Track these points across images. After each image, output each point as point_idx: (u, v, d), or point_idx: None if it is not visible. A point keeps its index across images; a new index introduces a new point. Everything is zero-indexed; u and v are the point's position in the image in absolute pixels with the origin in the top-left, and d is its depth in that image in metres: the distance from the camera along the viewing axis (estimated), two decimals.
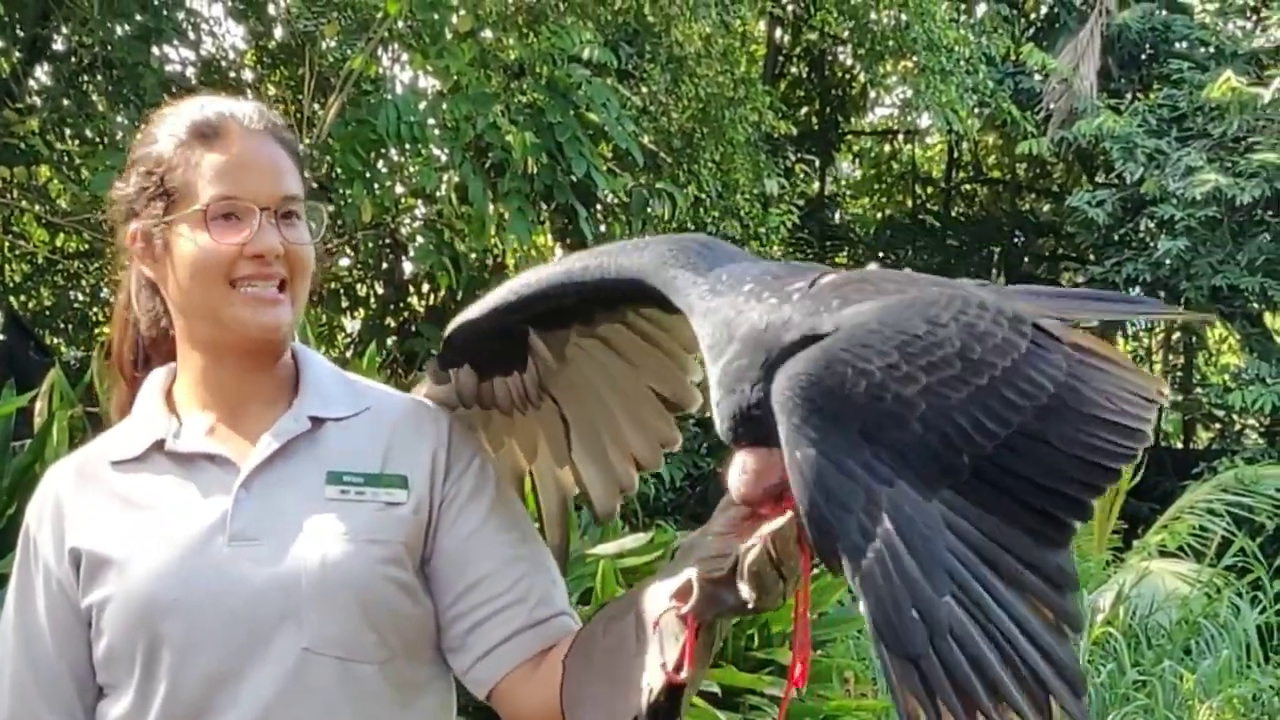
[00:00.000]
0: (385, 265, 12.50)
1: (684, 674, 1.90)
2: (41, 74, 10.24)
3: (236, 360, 2.19)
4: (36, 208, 10.60)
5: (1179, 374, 19.25)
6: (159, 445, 2.17)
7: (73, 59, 10.01)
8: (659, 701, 1.93)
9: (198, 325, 2.18)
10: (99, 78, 9.88)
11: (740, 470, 1.84)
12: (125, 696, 2.11)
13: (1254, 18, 17.92)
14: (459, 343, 2.25)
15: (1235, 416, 17.17)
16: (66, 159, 9.81)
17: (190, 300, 2.16)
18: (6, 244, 11.29)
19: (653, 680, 1.92)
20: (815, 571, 1.88)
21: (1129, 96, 16.92)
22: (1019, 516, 1.68)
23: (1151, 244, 15.54)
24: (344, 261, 12.06)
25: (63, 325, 12.52)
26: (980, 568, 1.64)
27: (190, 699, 2.07)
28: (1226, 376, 16.35)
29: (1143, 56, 17.51)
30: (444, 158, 9.24)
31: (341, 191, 8.59)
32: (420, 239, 9.91)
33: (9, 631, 2.21)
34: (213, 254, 2.11)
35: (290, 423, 2.18)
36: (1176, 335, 18.98)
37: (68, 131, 9.98)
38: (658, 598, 1.97)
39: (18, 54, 9.59)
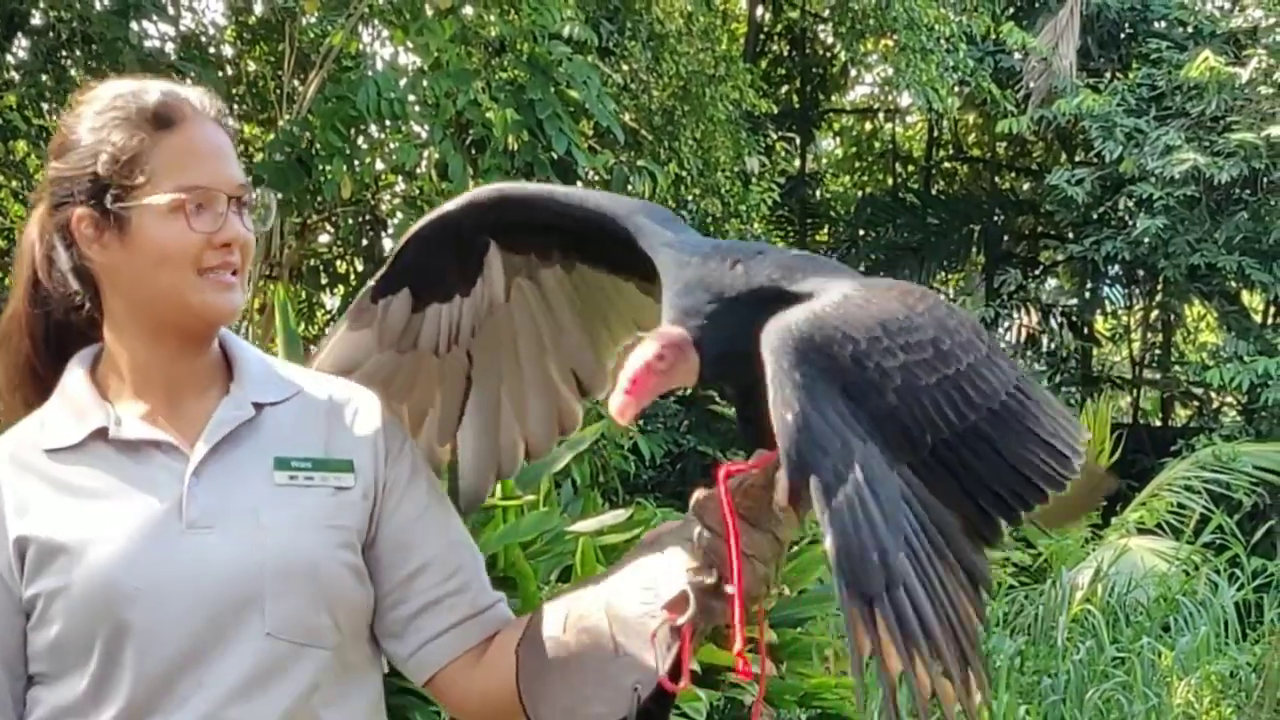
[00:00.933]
0: (365, 242, 12.47)
1: (683, 683, 1.96)
2: (19, 48, 10.18)
3: (178, 345, 2.17)
4: (13, 183, 10.56)
5: (1157, 352, 19.30)
6: (100, 433, 2.13)
7: (51, 33, 9.94)
8: (647, 706, 1.98)
9: (153, 310, 2.15)
10: (77, 53, 9.84)
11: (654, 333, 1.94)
12: (77, 684, 2.07)
13: None
14: (412, 255, 2.24)
15: (1213, 394, 17.20)
16: (44, 134, 9.76)
17: (154, 286, 2.12)
18: None
19: (645, 687, 1.97)
20: (795, 549, 1.92)
21: (1108, 75, 16.92)
22: (961, 507, 1.78)
23: (1130, 222, 15.52)
24: (323, 238, 12.05)
25: None
26: (925, 541, 1.73)
27: (153, 686, 2.05)
28: (1204, 354, 16.37)
29: (1122, 36, 17.50)
30: (424, 134, 9.23)
31: (321, 168, 8.57)
32: (400, 216, 9.89)
33: None
34: (185, 242, 2.10)
35: (234, 409, 2.17)
36: (1155, 313, 18.98)
37: (45, 106, 9.94)
38: (634, 602, 2.01)
39: None
